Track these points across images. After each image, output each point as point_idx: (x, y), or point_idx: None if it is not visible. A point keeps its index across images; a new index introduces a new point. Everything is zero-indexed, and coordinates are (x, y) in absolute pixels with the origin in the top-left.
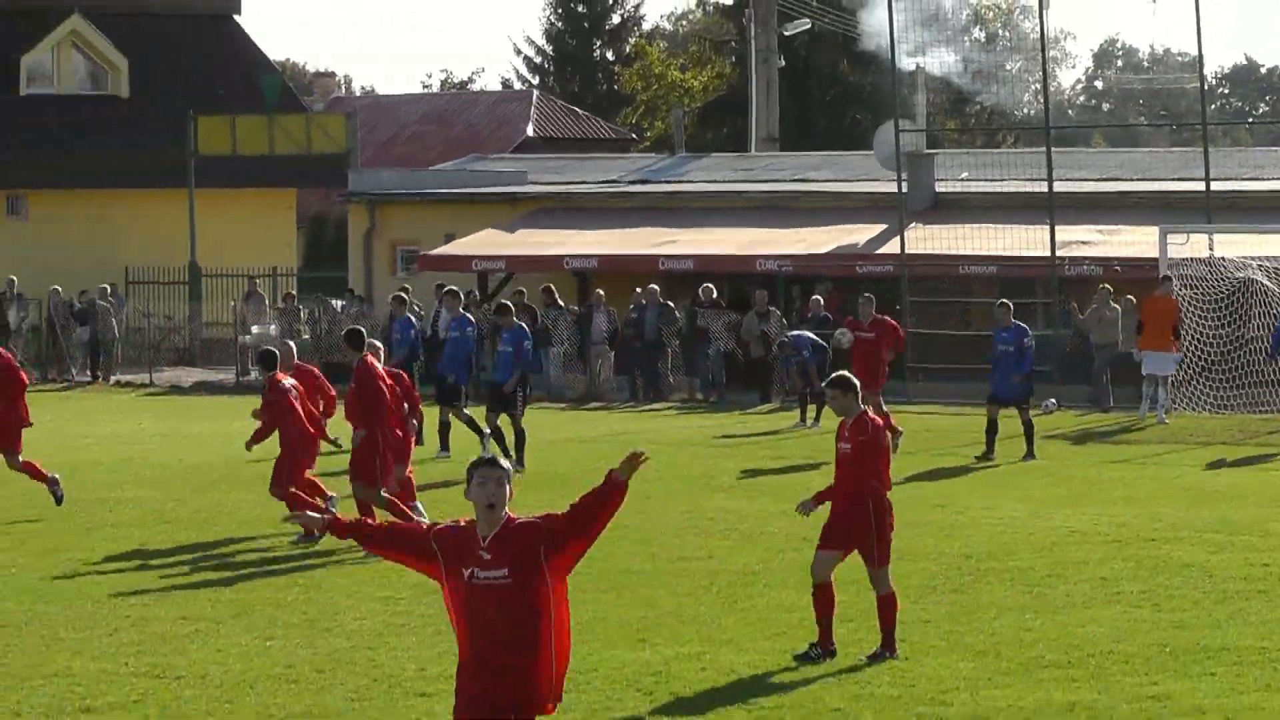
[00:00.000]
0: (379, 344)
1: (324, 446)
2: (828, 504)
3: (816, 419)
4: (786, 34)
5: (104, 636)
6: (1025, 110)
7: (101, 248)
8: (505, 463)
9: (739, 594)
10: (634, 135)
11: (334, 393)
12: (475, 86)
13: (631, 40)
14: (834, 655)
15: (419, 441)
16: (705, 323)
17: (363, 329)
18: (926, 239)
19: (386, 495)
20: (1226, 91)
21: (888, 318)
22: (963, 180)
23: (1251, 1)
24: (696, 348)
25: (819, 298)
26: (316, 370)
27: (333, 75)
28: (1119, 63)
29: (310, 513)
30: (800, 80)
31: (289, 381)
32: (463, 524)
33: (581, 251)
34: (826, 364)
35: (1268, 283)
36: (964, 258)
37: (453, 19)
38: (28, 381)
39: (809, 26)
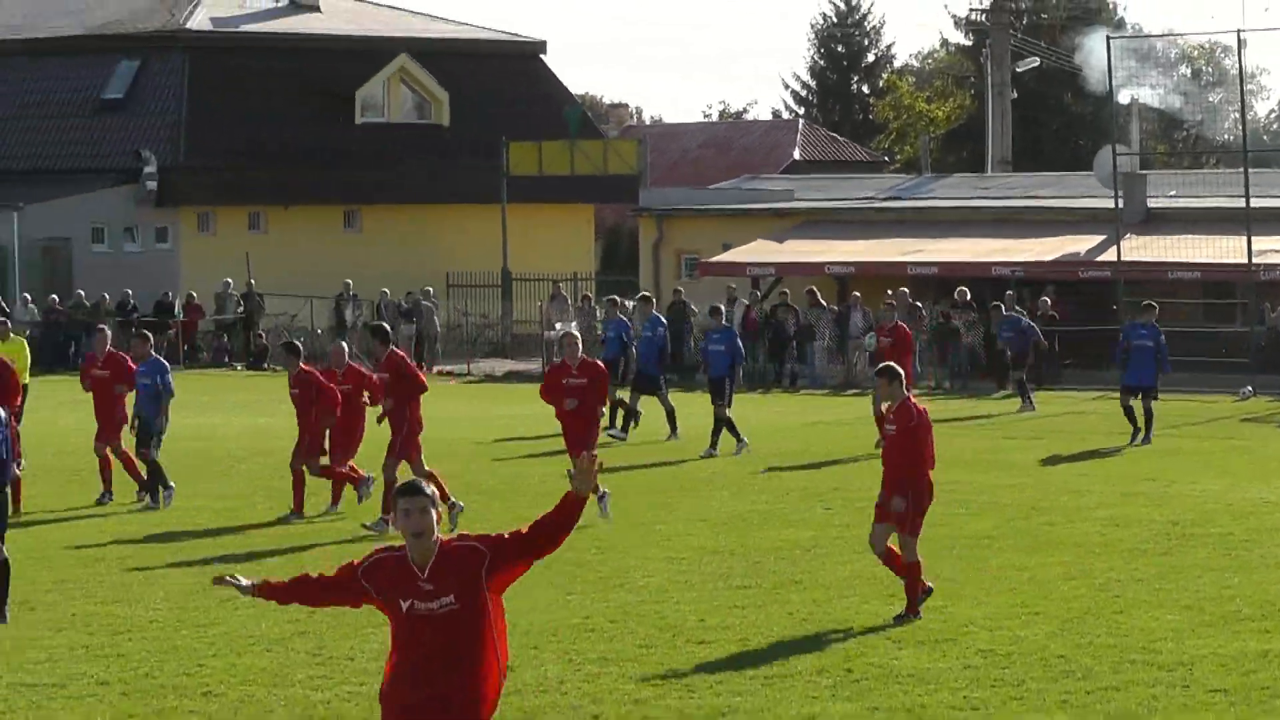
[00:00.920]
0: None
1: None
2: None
3: (1028, 401)
4: (1018, 70)
5: None
6: (1226, 136)
7: (425, 255)
8: (430, 488)
9: (975, 556)
10: (886, 158)
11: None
12: (749, 116)
13: (884, 76)
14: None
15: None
16: (957, 322)
17: (386, 325)
18: (1139, 248)
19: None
20: None
21: (902, 324)
22: (1171, 196)
23: None
24: (946, 341)
25: (1046, 299)
26: (364, 369)
27: (626, 106)
28: None
29: (240, 579)
30: (1030, 110)
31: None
32: (396, 551)
33: (841, 259)
34: (1028, 352)
35: None
36: (1172, 264)
37: (730, 58)
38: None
39: (1038, 64)
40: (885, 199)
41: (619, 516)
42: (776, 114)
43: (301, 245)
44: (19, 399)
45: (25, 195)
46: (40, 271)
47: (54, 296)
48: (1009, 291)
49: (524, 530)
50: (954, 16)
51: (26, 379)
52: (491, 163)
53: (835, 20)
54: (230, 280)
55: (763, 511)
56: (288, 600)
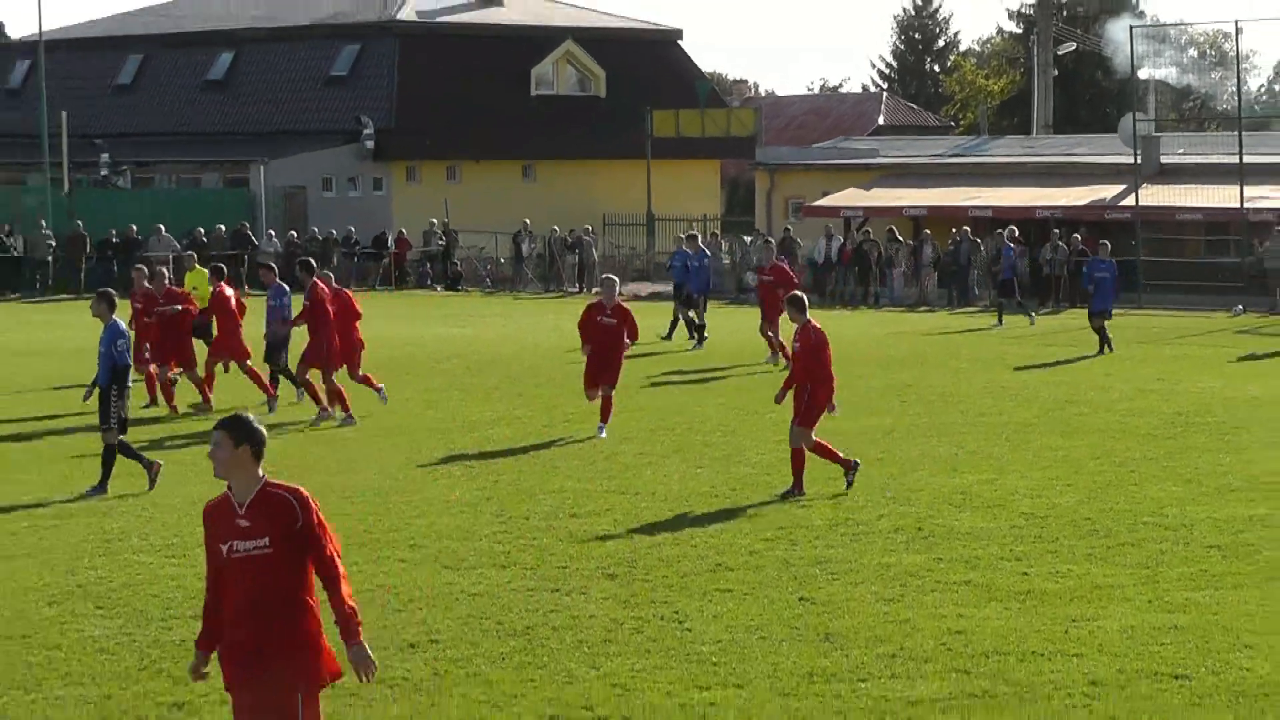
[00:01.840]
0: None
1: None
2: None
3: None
4: (1059, 53)
5: (586, 465)
6: (1224, 105)
7: (586, 200)
8: (243, 426)
9: (1020, 438)
10: (952, 123)
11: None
12: (843, 90)
13: (951, 57)
14: (804, 494)
15: None
16: (1008, 253)
17: (312, 260)
18: (1153, 195)
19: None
20: None
21: (781, 263)
22: (1180, 154)
23: None
24: (999, 269)
25: (1077, 235)
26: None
27: (745, 81)
28: None
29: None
30: (1068, 84)
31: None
32: (226, 492)
33: (915, 204)
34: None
35: None
36: (1179, 209)
37: (829, 43)
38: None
39: (1075, 47)
40: (951, 155)
41: (735, 406)
42: (865, 88)
43: (488, 192)
44: (198, 312)
45: (270, 152)
46: (282, 213)
47: (293, 233)
48: (1054, 230)
49: (324, 557)
50: (1008, 9)
51: (205, 304)
52: (638, 127)
53: (913, 13)
54: (433, 220)
55: (852, 403)
56: (211, 626)
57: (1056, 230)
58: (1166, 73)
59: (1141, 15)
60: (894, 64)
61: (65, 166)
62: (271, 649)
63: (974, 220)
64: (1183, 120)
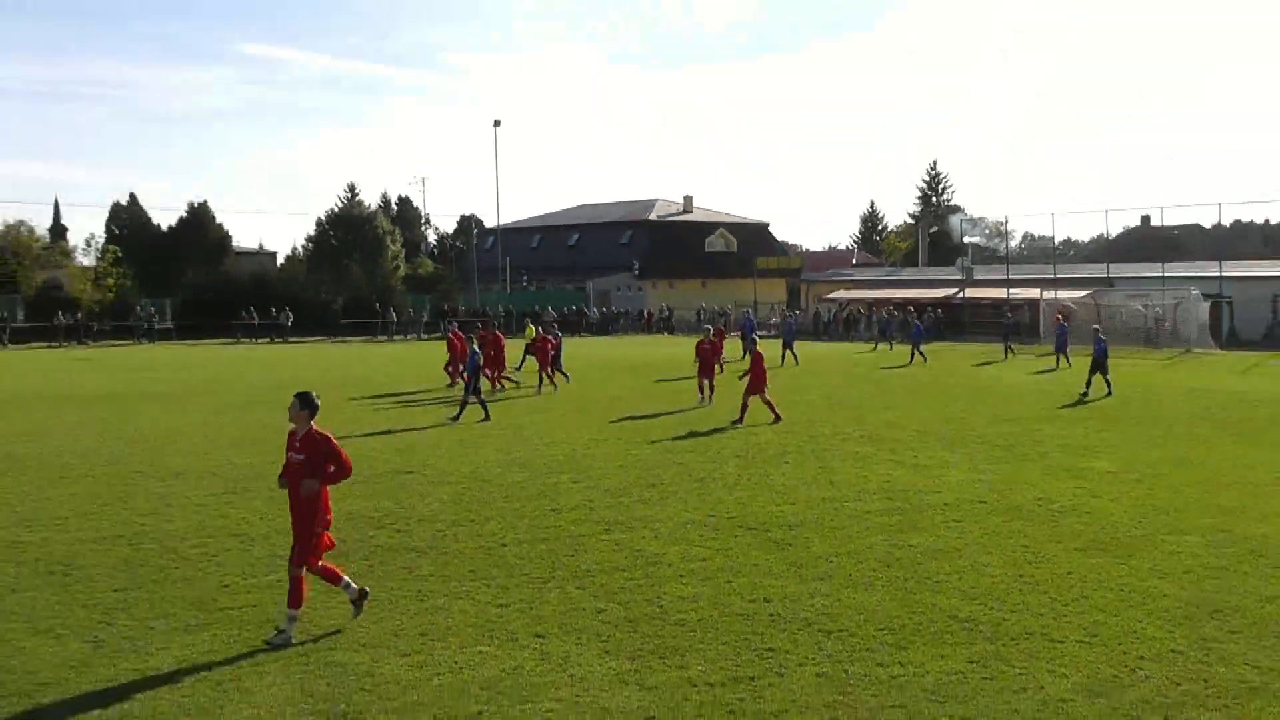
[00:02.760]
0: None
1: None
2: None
3: None
4: (931, 230)
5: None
6: (1001, 253)
7: (727, 296)
8: (306, 395)
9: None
10: (885, 261)
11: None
12: (839, 247)
13: (884, 233)
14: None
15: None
16: (917, 321)
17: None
18: (972, 292)
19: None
20: None
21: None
22: (982, 275)
23: None
24: (910, 328)
25: (939, 310)
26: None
27: (797, 245)
28: None
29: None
30: (935, 243)
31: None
32: (292, 428)
33: (868, 295)
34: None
35: None
36: (983, 298)
37: (831, 229)
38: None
39: (935, 228)
40: (884, 275)
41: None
42: (848, 247)
43: (688, 293)
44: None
45: (593, 275)
46: (598, 302)
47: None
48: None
49: (337, 467)
50: (909, 215)
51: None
52: (753, 263)
53: (868, 218)
54: (663, 305)
55: (852, 403)
56: (283, 474)
57: (928, 308)
58: (976, 239)
59: (963, 212)
60: (861, 235)
61: (507, 281)
62: (297, 497)
63: (894, 304)
64: (983, 261)
